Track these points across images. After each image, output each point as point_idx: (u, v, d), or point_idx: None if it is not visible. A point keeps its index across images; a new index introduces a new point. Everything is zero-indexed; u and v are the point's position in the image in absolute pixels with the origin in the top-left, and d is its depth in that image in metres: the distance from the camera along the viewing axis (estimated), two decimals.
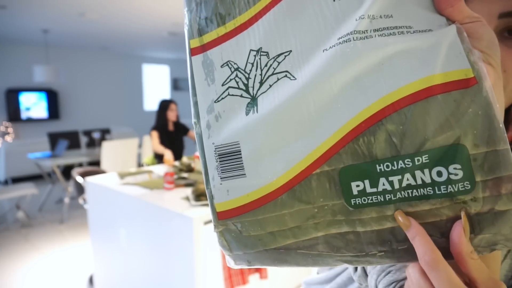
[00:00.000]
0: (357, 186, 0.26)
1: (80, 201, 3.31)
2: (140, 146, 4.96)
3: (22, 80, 6.52)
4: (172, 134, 3.41)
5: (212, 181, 0.29)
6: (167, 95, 8.92)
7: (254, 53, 0.28)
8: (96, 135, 4.98)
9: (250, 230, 0.28)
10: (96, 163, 4.50)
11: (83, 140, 5.35)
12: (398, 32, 0.25)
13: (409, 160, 0.25)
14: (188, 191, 1.93)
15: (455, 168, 0.24)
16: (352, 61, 0.25)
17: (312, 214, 0.27)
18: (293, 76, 0.27)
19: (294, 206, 0.27)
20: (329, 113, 0.26)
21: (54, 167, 4.20)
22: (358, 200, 0.26)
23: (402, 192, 0.25)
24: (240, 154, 0.28)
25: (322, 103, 0.26)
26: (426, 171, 0.25)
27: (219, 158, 0.28)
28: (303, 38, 0.27)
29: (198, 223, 1.58)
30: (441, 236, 0.25)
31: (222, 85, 0.29)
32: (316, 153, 0.26)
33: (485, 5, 0.39)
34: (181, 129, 3.53)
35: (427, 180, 0.25)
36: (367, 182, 0.26)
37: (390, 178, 0.25)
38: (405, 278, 0.38)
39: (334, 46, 0.26)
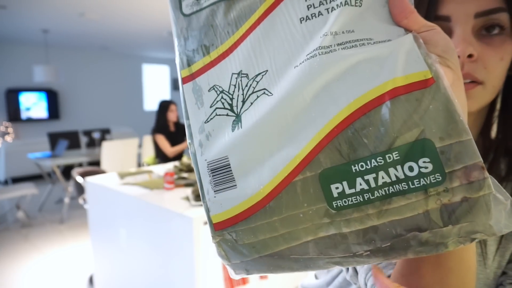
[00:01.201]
0: (337, 188, 0.28)
1: (80, 201, 3.31)
2: (140, 146, 4.96)
3: (22, 80, 6.53)
4: (174, 135, 3.41)
5: (207, 195, 0.31)
6: (167, 95, 8.92)
7: (236, 75, 0.32)
8: (96, 135, 4.98)
9: (244, 239, 0.30)
10: (96, 163, 4.50)
11: (83, 140, 5.35)
12: (359, 44, 0.28)
13: (381, 158, 0.27)
14: (188, 191, 1.93)
15: (424, 162, 0.26)
16: (320, 73, 0.28)
17: (300, 219, 0.29)
18: (270, 92, 0.30)
19: (282, 213, 0.29)
20: (305, 122, 0.28)
21: (54, 167, 4.21)
22: (339, 202, 0.28)
23: (380, 191, 0.27)
24: (230, 167, 0.30)
25: (298, 113, 0.29)
26: (399, 167, 0.27)
27: (212, 173, 0.31)
28: (277, 58, 0.31)
29: (198, 223, 1.58)
30: (420, 231, 0.27)
31: (210, 107, 0.32)
32: (297, 160, 0.28)
33: (461, 6, 0.41)
34: (182, 129, 3.52)
35: (401, 176, 0.27)
36: (345, 183, 0.28)
37: (366, 177, 0.27)
38: (389, 275, 0.39)
39: (303, 62, 0.29)
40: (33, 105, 6.65)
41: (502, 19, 0.41)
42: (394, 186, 0.27)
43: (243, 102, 0.31)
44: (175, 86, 9.12)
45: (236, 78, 0.31)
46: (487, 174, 0.26)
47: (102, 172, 3.44)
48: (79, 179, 3.23)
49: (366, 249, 0.28)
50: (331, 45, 0.28)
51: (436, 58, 0.27)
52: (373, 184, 0.27)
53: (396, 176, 0.26)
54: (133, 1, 3.91)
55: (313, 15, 0.30)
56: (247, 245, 0.30)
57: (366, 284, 0.44)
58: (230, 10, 0.32)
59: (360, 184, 0.27)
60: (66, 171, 4.97)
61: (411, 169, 0.26)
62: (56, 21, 4.80)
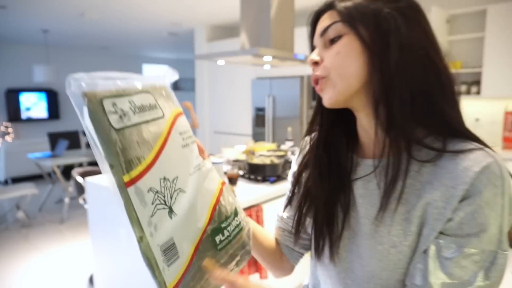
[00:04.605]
0: (218, 238, 0.52)
1: (80, 201, 3.31)
2: None
3: (22, 80, 6.53)
4: None
5: (163, 271, 0.43)
6: None
7: (162, 180, 0.45)
8: None
9: (196, 284, 0.49)
10: (96, 163, 4.49)
11: (83, 140, 5.35)
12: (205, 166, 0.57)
13: (226, 223, 0.55)
14: None
15: (236, 220, 0.59)
16: (197, 183, 0.51)
17: (213, 259, 0.51)
18: (184, 191, 0.48)
19: (203, 259, 0.49)
20: (202, 210, 0.50)
21: (54, 167, 4.21)
22: (220, 245, 0.52)
23: (229, 238, 0.54)
24: (175, 244, 0.45)
25: (199, 205, 0.49)
26: (230, 227, 0.55)
27: (164, 252, 0.43)
28: (180, 167, 0.48)
29: None
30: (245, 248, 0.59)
31: (152, 204, 0.43)
32: (202, 230, 0.49)
33: (316, 33, 0.58)
34: None
35: (230, 231, 0.55)
36: (219, 235, 0.52)
37: (224, 232, 0.54)
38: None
39: (192, 174, 0.50)
40: (33, 105, 6.65)
41: (338, 29, 0.54)
42: (229, 237, 0.54)
43: (171, 197, 0.45)
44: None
45: (163, 181, 0.45)
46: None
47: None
48: (79, 179, 3.23)
49: (237, 260, 0.56)
50: (199, 164, 0.52)
51: None
52: (226, 235, 0.53)
53: (228, 231, 0.54)
54: (133, 1, 3.91)
55: (186, 145, 0.50)
56: None
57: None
58: (145, 133, 0.44)
59: (224, 234, 0.53)
60: (66, 171, 4.97)
61: (235, 225, 0.55)
62: (56, 21, 4.80)
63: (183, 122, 0.51)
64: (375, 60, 0.51)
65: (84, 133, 5.62)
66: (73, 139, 5.49)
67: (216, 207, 0.52)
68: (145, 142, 0.43)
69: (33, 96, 6.61)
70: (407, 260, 0.52)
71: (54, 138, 5.22)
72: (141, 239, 0.42)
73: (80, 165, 4.89)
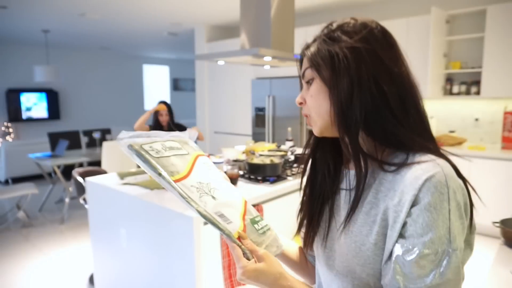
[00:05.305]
0: (256, 226, 0.68)
1: (81, 201, 3.31)
2: None
3: (22, 80, 6.53)
4: None
5: (226, 226, 0.63)
6: (167, 95, 8.93)
7: (198, 182, 0.65)
8: (97, 135, 4.98)
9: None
10: (97, 163, 4.51)
11: (84, 140, 5.35)
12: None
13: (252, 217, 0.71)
14: None
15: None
16: (230, 186, 0.71)
17: (258, 242, 0.67)
18: (218, 189, 0.66)
19: (253, 233, 0.67)
20: (237, 199, 0.69)
21: (54, 167, 4.21)
22: (260, 230, 0.69)
23: (261, 223, 0.71)
24: (224, 214, 0.64)
25: (230, 197, 0.68)
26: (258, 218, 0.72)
27: (219, 217, 0.63)
28: (210, 178, 0.67)
29: (198, 223, 1.58)
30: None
31: (197, 192, 0.63)
32: (242, 215, 0.67)
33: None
34: (177, 130, 3.51)
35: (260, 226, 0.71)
36: (257, 224, 0.69)
37: (259, 223, 0.70)
38: None
39: (221, 182, 0.69)
40: (34, 105, 6.66)
41: (309, 74, 0.64)
42: (264, 228, 0.70)
43: (209, 191, 0.65)
44: (175, 86, 9.13)
45: (199, 183, 0.64)
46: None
47: (103, 172, 3.44)
48: (79, 179, 3.23)
49: (276, 245, 0.72)
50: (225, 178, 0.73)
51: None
52: (262, 226, 0.70)
53: (262, 225, 0.70)
54: (133, 1, 3.91)
55: (210, 169, 0.70)
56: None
57: None
58: (176, 160, 0.65)
59: (259, 224, 0.69)
60: (67, 171, 4.97)
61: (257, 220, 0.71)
62: (56, 22, 4.81)
63: (204, 158, 0.71)
64: (333, 97, 0.60)
65: (84, 133, 5.66)
66: (74, 139, 5.50)
67: (247, 204, 0.70)
68: (177, 165, 0.64)
69: (33, 96, 6.62)
70: (374, 256, 0.59)
71: (54, 138, 5.22)
72: (198, 207, 0.61)
73: (81, 165, 4.89)
